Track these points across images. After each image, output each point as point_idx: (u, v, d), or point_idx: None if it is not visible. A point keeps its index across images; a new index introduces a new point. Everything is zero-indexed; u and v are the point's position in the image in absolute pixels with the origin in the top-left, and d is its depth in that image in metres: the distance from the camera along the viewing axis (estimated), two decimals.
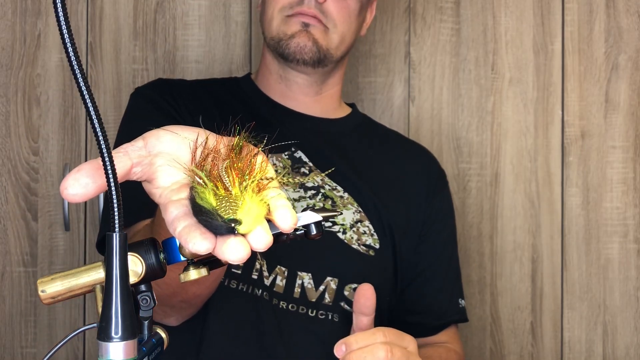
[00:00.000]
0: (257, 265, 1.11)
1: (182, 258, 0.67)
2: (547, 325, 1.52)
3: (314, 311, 1.12)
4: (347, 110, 1.30)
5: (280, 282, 1.11)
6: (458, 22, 1.54)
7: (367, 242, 1.16)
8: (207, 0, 1.52)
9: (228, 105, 1.23)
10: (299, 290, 1.12)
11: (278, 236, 0.72)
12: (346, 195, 1.18)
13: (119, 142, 1.19)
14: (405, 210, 1.21)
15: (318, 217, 0.71)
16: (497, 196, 1.53)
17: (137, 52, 1.50)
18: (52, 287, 0.65)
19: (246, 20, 1.52)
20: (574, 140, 1.53)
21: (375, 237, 1.17)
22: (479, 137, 1.53)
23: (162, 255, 0.65)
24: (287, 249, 1.06)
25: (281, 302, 1.11)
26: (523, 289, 1.52)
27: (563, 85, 1.53)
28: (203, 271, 0.67)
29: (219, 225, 0.54)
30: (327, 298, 1.12)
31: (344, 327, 1.11)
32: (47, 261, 1.48)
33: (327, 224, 1.14)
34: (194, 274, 0.67)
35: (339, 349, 0.88)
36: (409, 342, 0.91)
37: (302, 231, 0.71)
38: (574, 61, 1.53)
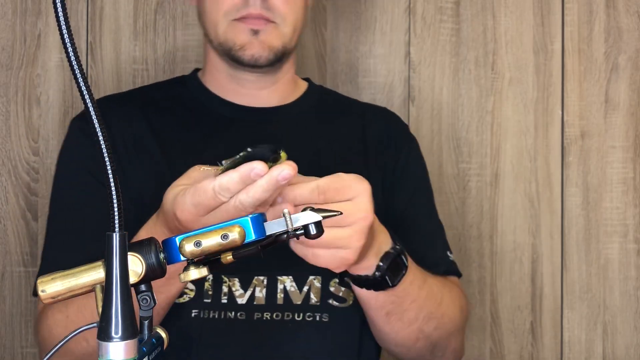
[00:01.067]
0: (225, 289, 1.07)
1: (182, 258, 0.67)
2: (547, 325, 1.53)
3: (301, 314, 1.08)
4: (303, 87, 1.26)
5: (260, 293, 1.07)
6: (458, 22, 1.54)
7: None
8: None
9: (169, 114, 1.18)
10: (282, 295, 1.08)
11: (278, 236, 0.72)
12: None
13: (59, 194, 1.15)
14: (375, 181, 1.15)
15: (318, 217, 0.71)
16: (497, 196, 1.53)
17: (137, 52, 1.50)
18: (52, 287, 0.65)
19: None
20: (573, 140, 1.53)
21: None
22: (478, 137, 1.53)
23: (162, 255, 0.65)
24: (261, 258, 1.03)
25: (264, 315, 1.07)
26: (523, 289, 1.52)
27: (563, 85, 1.53)
28: (203, 271, 0.67)
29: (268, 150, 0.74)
30: (314, 298, 1.09)
31: (334, 326, 1.09)
32: None
33: None
34: (194, 273, 0.67)
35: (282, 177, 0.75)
36: (354, 186, 0.83)
37: (302, 231, 0.71)
38: (574, 61, 1.53)
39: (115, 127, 1.13)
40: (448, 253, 1.20)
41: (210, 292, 1.06)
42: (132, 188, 1.09)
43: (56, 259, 1.11)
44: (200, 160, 1.07)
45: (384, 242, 0.92)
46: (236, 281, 1.07)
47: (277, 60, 1.15)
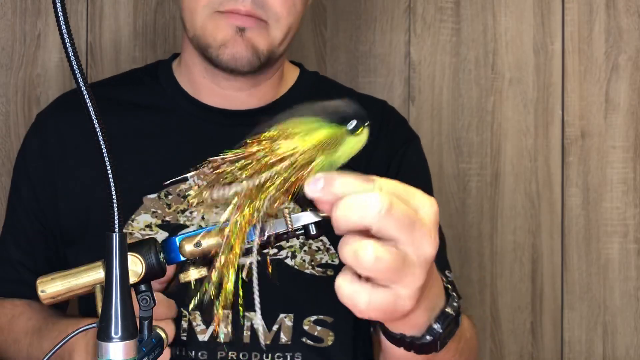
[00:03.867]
0: (184, 325, 0.96)
1: (182, 258, 0.67)
2: (547, 325, 1.52)
3: (269, 355, 0.97)
4: (291, 80, 1.11)
5: (226, 330, 0.96)
6: (458, 22, 1.54)
7: (323, 261, 1.00)
8: None
9: (128, 115, 1.06)
10: (249, 333, 0.97)
11: (278, 236, 0.72)
12: (292, 206, 1.00)
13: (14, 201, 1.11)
14: None
15: (318, 217, 0.71)
16: (497, 196, 1.53)
17: (137, 52, 1.50)
18: (51, 287, 0.65)
19: None
20: (574, 140, 1.53)
21: (332, 250, 1.00)
22: (479, 137, 1.53)
23: (162, 255, 0.65)
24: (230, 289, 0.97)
25: (229, 354, 0.96)
26: (523, 289, 1.52)
27: (563, 85, 1.53)
28: (203, 271, 0.67)
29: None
30: (284, 338, 0.97)
31: None
32: None
33: (273, 250, 0.98)
34: (194, 273, 0.67)
35: (315, 183, 0.55)
36: (421, 202, 0.56)
37: (302, 231, 0.71)
38: (574, 61, 1.53)
39: (68, 133, 1.05)
40: (447, 273, 1.04)
41: None
42: (73, 194, 1.03)
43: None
44: (152, 170, 1.00)
45: (438, 295, 0.68)
46: (197, 315, 0.97)
47: (260, 67, 0.99)
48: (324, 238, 1.00)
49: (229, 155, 0.58)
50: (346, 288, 0.54)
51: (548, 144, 1.53)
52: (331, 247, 1.00)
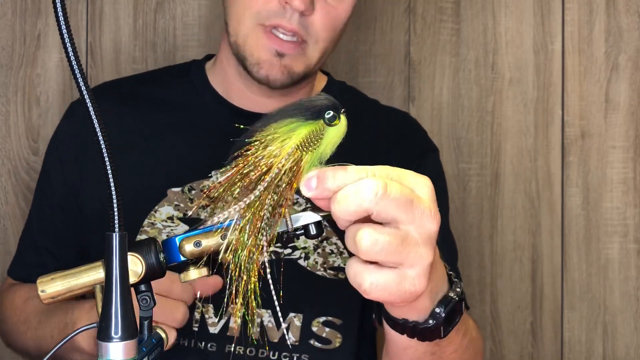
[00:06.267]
0: (197, 315, 0.98)
1: (182, 258, 0.67)
2: (547, 325, 1.52)
3: (277, 353, 0.98)
4: (319, 87, 1.13)
5: (234, 324, 0.97)
6: (458, 22, 1.54)
7: (336, 264, 1.01)
8: (207, 0, 1.52)
9: (162, 112, 1.08)
10: (258, 329, 0.98)
11: (278, 236, 0.72)
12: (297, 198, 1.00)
13: (40, 194, 1.14)
14: None
15: (317, 216, 0.71)
16: (497, 196, 1.53)
17: (137, 52, 1.50)
18: (51, 287, 0.65)
19: None
20: (574, 140, 1.53)
21: (345, 254, 1.01)
22: (478, 137, 1.53)
23: (162, 255, 0.65)
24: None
25: (237, 349, 0.97)
26: (523, 289, 1.52)
27: (563, 85, 1.53)
28: (203, 271, 0.67)
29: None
30: (292, 337, 0.98)
31: None
32: None
33: (287, 251, 0.99)
34: (194, 273, 0.67)
35: (308, 183, 0.57)
36: (415, 181, 0.58)
37: (302, 231, 0.71)
38: (574, 61, 1.53)
39: (108, 111, 1.06)
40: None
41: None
42: (96, 182, 1.06)
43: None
44: (179, 165, 1.03)
45: (441, 279, 0.68)
46: (210, 308, 0.98)
47: (293, 85, 1.02)
48: (338, 242, 1.01)
49: (220, 179, 0.59)
50: (351, 268, 0.57)
51: (548, 144, 1.53)
52: (344, 251, 1.01)
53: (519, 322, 1.52)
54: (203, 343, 0.98)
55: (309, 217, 0.70)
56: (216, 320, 0.98)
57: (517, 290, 1.52)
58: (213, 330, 0.98)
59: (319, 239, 1.00)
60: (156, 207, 1.02)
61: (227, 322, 0.98)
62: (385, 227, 0.55)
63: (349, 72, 1.53)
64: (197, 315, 0.98)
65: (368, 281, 0.56)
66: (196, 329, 0.98)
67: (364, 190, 0.54)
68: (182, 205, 1.02)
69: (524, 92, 1.53)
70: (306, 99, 0.59)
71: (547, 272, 1.52)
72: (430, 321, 0.66)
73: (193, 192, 1.03)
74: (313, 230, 0.70)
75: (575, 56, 1.53)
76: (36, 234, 1.14)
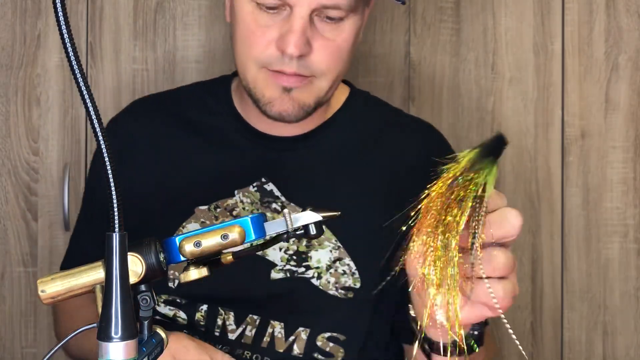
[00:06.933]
0: (219, 322, 1.03)
1: (182, 258, 0.67)
2: (547, 325, 1.53)
3: None
4: (338, 103, 1.12)
5: (250, 332, 1.02)
6: (458, 22, 1.54)
7: (347, 284, 1.03)
8: (207, 0, 1.52)
9: (193, 132, 1.11)
10: (268, 339, 1.02)
11: (278, 236, 0.72)
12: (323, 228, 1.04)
13: (88, 203, 1.17)
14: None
15: (318, 217, 0.71)
16: None
17: (137, 52, 1.50)
18: (52, 287, 0.65)
19: None
20: (574, 140, 1.53)
21: (357, 275, 1.03)
22: (478, 137, 1.53)
23: (162, 255, 0.65)
24: (261, 299, 1.02)
25: (245, 352, 1.02)
26: (523, 289, 1.52)
27: (563, 85, 1.53)
28: (203, 271, 0.67)
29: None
30: (297, 349, 1.02)
31: None
32: (47, 261, 1.48)
33: (301, 269, 1.03)
34: (194, 273, 0.67)
35: (516, 223, 0.65)
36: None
37: (302, 231, 0.71)
38: (574, 61, 1.53)
39: (137, 137, 1.12)
40: None
41: (202, 323, 1.03)
42: (133, 196, 1.07)
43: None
44: (205, 184, 1.08)
45: None
46: (231, 315, 1.03)
47: (307, 116, 1.03)
48: (351, 262, 1.03)
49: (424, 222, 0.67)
50: (501, 288, 0.65)
51: (548, 144, 1.53)
52: (356, 272, 1.03)
53: (519, 322, 1.52)
54: (220, 346, 1.01)
55: (309, 217, 0.70)
56: (235, 327, 1.03)
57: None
58: (231, 336, 1.03)
59: (331, 260, 1.03)
60: (184, 224, 1.06)
61: (244, 330, 1.02)
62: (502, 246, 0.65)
63: (349, 72, 1.52)
64: (220, 322, 1.03)
65: (513, 291, 0.65)
66: (217, 333, 1.03)
67: (518, 223, 0.65)
68: (207, 222, 1.06)
69: (524, 92, 1.53)
70: (490, 142, 0.69)
71: (547, 272, 1.52)
72: (474, 333, 0.74)
73: (218, 210, 1.06)
74: (313, 230, 0.70)
75: (575, 56, 1.53)
76: (85, 242, 1.16)
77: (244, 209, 1.06)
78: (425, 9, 1.53)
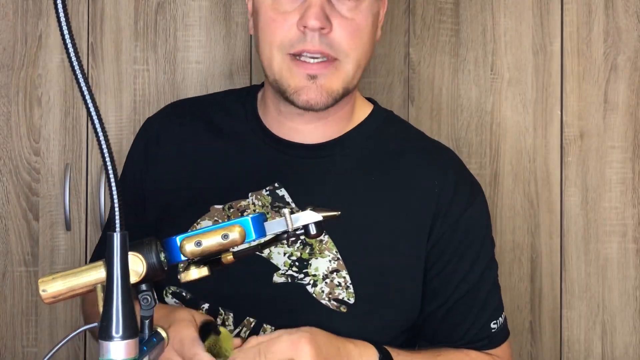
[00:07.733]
0: (218, 322, 1.05)
1: (183, 257, 0.67)
2: (546, 324, 1.53)
3: None
4: (360, 117, 1.13)
5: (244, 334, 1.04)
6: (457, 22, 1.54)
7: (340, 297, 1.03)
8: (207, 1, 1.52)
9: (215, 138, 1.14)
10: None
11: (278, 235, 0.72)
12: (326, 238, 1.04)
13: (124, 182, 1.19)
14: (403, 248, 1.06)
15: (318, 216, 0.71)
16: (496, 196, 1.53)
17: (138, 52, 1.51)
18: (53, 287, 0.65)
19: (247, 21, 1.52)
20: (572, 140, 1.53)
21: (351, 290, 1.03)
22: (478, 138, 1.53)
23: (162, 255, 0.66)
24: (260, 301, 1.04)
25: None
26: (522, 289, 1.53)
27: (562, 85, 1.54)
28: (204, 270, 0.68)
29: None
30: None
31: None
32: (48, 261, 1.49)
33: (301, 276, 1.04)
34: (194, 273, 0.67)
35: None
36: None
37: (302, 231, 0.71)
38: (573, 62, 1.54)
39: (165, 139, 1.16)
40: (491, 324, 1.10)
41: None
42: (156, 194, 1.14)
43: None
44: (222, 185, 1.12)
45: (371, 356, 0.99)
46: (230, 316, 1.06)
47: (334, 103, 1.04)
48: (347, 275, 1.04)
49: None
50: None
51: (547, 144, 1.53)
52: (351, 287, 1.04)
53: (518, 322, 1.52)
54: None
55: (309, 217, 0.70)
56: (233, 328, 1.05)
57: (516, 290, 1.53)
58: None
59: (329, 270, 1.04)
60: (198, 220, 1.09)
61: (240, 332, 1.05)
62: None
63: None
64: (220, 321, 1.05)
65: None
66: None
67: None
68: (220, 221, 1.08)
69: (523, 92, 1.53)
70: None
71: (546, 271, 1.53)
72: None
73: (231, 210, 1.09)
74: (313, 230, 0.71)
75: (574, 57, 1.54)
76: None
77: (254, 211, 1.07)
78: (425, 9, 1.54)
